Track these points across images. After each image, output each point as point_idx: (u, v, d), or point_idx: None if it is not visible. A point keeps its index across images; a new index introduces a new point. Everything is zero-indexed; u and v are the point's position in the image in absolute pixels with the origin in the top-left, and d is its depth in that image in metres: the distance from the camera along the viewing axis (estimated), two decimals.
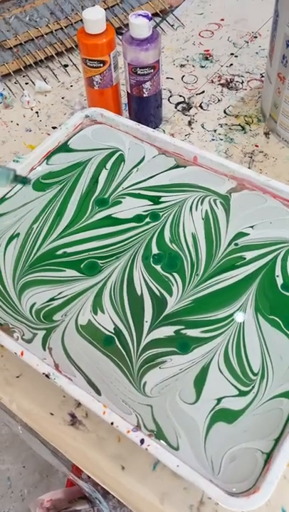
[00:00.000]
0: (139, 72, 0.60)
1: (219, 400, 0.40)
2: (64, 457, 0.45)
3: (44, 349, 0.44)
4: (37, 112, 0.72)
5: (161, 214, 0.52)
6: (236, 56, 0.77)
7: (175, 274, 0.47)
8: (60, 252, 0.50)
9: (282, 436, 0.38)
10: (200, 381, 0.41)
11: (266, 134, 0.66)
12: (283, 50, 0.56)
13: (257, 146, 0.65)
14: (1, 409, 0.48)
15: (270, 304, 0.45)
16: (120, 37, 0.78)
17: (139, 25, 0.56)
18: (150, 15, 0.57)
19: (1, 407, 0.48)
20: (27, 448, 1.08)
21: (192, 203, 0.53)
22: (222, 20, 0.84)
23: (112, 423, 0.38)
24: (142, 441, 0.37)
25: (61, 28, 0.80)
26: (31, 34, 0.78)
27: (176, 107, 0.70)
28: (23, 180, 0.37)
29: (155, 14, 0.85)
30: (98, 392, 0.41)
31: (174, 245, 0.50)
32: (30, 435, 0.48)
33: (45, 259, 0.49)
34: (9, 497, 1.10)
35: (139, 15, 0.57)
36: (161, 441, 0.38)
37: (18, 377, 0.48)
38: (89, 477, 0.44)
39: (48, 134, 0.69)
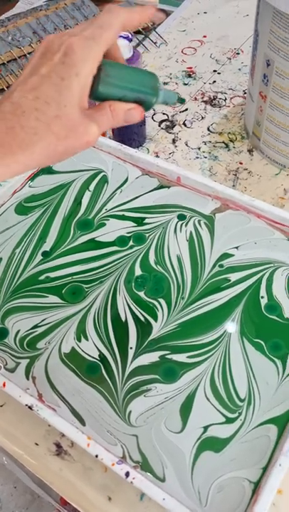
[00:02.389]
0: None
1: (206, 428, 0.40)
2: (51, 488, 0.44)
3: (27, 378, 0.43)
4: None
5: (146, 236, 0.51)
6: (219, 73, 0.77)
7: (160, 299, 0.47)
8: (42, 277, 0.49)
9: (270, 465, 0.37)
10: (186, 409, 0.41)
11: (250, 151, 0.66)
12: (264, 69, 0.57)
13: (241, 163, 0.65)
14: None
15: (255, 327, 0.45)
16: None
17: (120, 47, 0.56)
18: (130, 36, 0.57)
19: None
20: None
21: (176, 224, 0.52)
22: (204, 37, 0.84)
23: (96, 456, 0.38)
24: (127, 474, 0.37)
25: None
26: (14, 54, 0.78)
27: (159, 125, 0.70)
28: (182, 100, 0.39)
29: (138, 32, 0.85)
30: (83, 423, 0.40)
31: (160, 267, 0.49)
32: (15, 466, 0.47)
33: (28, 285, 0.49)
34: None
35: (120, 36, 0.57)
36: (147, 473, 0.38)
37: (1, 406, 0.47)
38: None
39: None
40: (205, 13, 0.89)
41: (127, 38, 0.57)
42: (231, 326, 0.45)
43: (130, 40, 0.57)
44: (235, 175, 0.64)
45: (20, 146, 0.29)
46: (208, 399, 0.41)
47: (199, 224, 0.52)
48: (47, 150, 0.30)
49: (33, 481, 0.48)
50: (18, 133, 0.29)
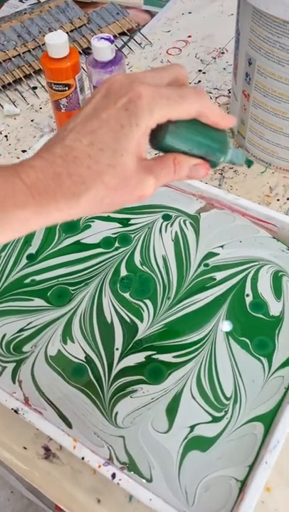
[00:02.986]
0: None
1: (192, 428, 0.40)
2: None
3: (14, 382, 0.43)
4: (6, 136, 0.71)
5: (131, 236, 0.51)
6: (204, 73, 0.77)
7: (146, 300, 0.47)
8: (28, 281, 0.49)
9: (256, 463, 0.37)
10: (172, 409, 0.41)
11: None
12: (246, 68, 0.57)
13: None
14: None
15: (240, 325, 0.45)
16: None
17: (102, 49, 0.56)
18: (112, 37, 0.57)
19: None
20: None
21: (162, 225, 0.52)
22: (189, 37, 0.84)
23: (83, 458, 0.38)
24: (114, 475, 0.37)
25: (29, 51, 0.80)
26: None
27: None
28: (250, 163, 0.36)
29: (122, 33, 0.85)
30: (69, 426, 0.40)
31: (145, 267, 0.49)
32: (8, 473, 0.47)
33: (14, 289, 0.49)
34: None
35: (102, 38, 0.57)
36: (134, 474, 0.38)
37: None
38: None
39: (18, 158, 0.68)
40: (189, 13, 0.89)
41: (108, 39, 0.57)
42: (217, 325, 0.45)
43: (112, 42, 0.57)
44: (221, 174, 0.64)
45: (64, 195, 0.27)
46: (194, 398, 0.41)
47: (184, 224, 0.52)
48: (93, 200, 0.28)
49: (25, 488, 0.48)
50: (64, 180, 0.27)
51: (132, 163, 0.29)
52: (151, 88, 0.29)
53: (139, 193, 0.29)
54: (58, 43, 0.57)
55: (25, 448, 0.45)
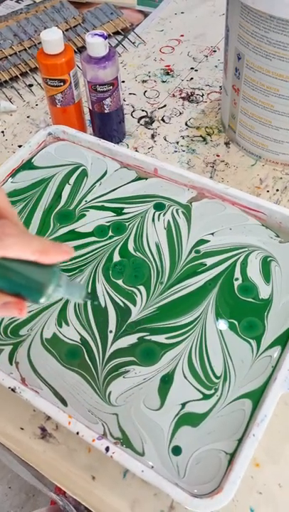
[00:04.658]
0: (98, 89, 0.62)
1: (184, 405, 0.41)
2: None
3: (11, 364, 0.44)
4: (3, 132, 0.73)
5: (125, 225, 0.53)
6: (196, 70, 0.79)
7: (139, 285, 0.48)
8: None
9: (245, 436, 0.39)
10: (164, 388, 0.42)
11: (227, 143, 0.68)
12: (235, 63, 0.58)
13: (218, 155, 0.67)
14: None
15: (229, 308, 0.46)
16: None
17: (96, 44, 0.58)
18: (106, 34, 0.59)
19: None
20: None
21: (154, 214, 0.54)
22: (182, 36, 0.86)
23: (77, 433, 0.39)
24: (107, 448, 0.38)
25: (25, 49, 0.82)
26: None
27: (138, 122, 0.72)
28: (93, 298, 0.37)
29: (117, 33, 0.87)
30: (65, 404, 0.42)
31: (139, 253, 0.51)
32: (10, 457, 0.48)
33: None
34: None
35: (96, 34, 0.59)
36: (127, 448, 0.39)
37: None
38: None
39: (14, 153, 0.70)
40: (182, 13, 0.91)
41: (102, 35, 0.58)
42: (207, 308, 0.46)
43: (106, 38, 0.58)
44: (213, 167, 0.65)
45: None
46: (186, 377, 0.43)
47: (177, 212, 0.54)
48: None
49: (29, 472, 0.49)
50: None
51: None
52: None
53: None
54: (52, 39, 0.59)
55: (22, 429, 0.46)
